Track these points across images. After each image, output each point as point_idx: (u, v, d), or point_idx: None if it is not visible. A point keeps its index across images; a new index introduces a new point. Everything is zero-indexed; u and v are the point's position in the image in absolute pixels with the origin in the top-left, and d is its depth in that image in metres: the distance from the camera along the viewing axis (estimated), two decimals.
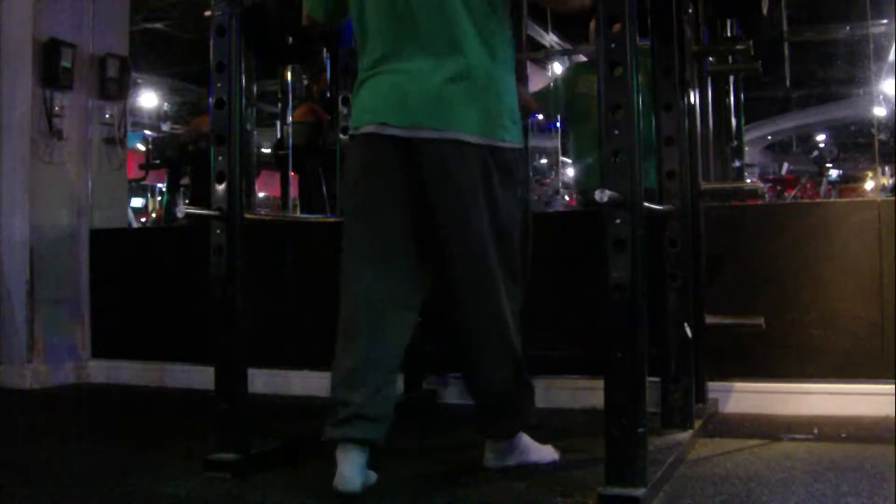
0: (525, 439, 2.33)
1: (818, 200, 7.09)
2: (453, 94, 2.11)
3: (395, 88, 2.14)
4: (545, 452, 2.37)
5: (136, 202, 13.16)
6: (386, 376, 2.17)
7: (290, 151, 6.12)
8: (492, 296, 2.16)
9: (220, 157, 2.41)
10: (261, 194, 8.70)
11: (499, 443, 2.30)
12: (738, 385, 3.10)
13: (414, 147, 2.11)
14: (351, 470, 2.06)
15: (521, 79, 9.01)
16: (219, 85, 2.40)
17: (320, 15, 2.41)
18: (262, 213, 6.59)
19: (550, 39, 11.88)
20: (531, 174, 10.20)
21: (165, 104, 14.62)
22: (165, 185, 8.65)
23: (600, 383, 1.98)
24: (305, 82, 6.63)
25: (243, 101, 2.43)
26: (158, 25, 10.62)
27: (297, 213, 6.29)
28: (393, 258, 2.18)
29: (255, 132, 6.05)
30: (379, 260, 2.18)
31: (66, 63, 4.06)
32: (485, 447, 2.32)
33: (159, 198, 12.76)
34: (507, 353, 2.20)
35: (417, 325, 2.34)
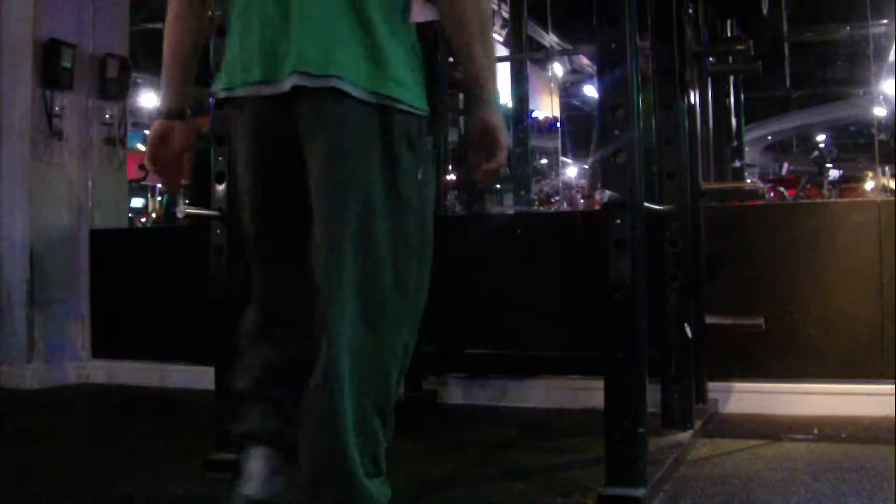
0: None
1: (818, 201, 7.09)
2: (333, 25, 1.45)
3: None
4: None
5: (137, 202, 13.15)
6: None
7: None
8: (386, 337, 1.50)
9: (220, 158, 2.42)
10: None
11: None
12: (738, 385, 3.09)
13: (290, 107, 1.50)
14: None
15: (523, 80, 8.93)
16: None
17: None
18: None
19: (551, 40, 11.89)
20: (530, 173, 10.15)
21: None
22: None
23: (600, 383, 1.99)
24: None
25: None
26: (158, 25, 10.59)
27: None
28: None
29: None
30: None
31: (66, 63, 4.06)
32: None
33: (159, 198, 12.75)
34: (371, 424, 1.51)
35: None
